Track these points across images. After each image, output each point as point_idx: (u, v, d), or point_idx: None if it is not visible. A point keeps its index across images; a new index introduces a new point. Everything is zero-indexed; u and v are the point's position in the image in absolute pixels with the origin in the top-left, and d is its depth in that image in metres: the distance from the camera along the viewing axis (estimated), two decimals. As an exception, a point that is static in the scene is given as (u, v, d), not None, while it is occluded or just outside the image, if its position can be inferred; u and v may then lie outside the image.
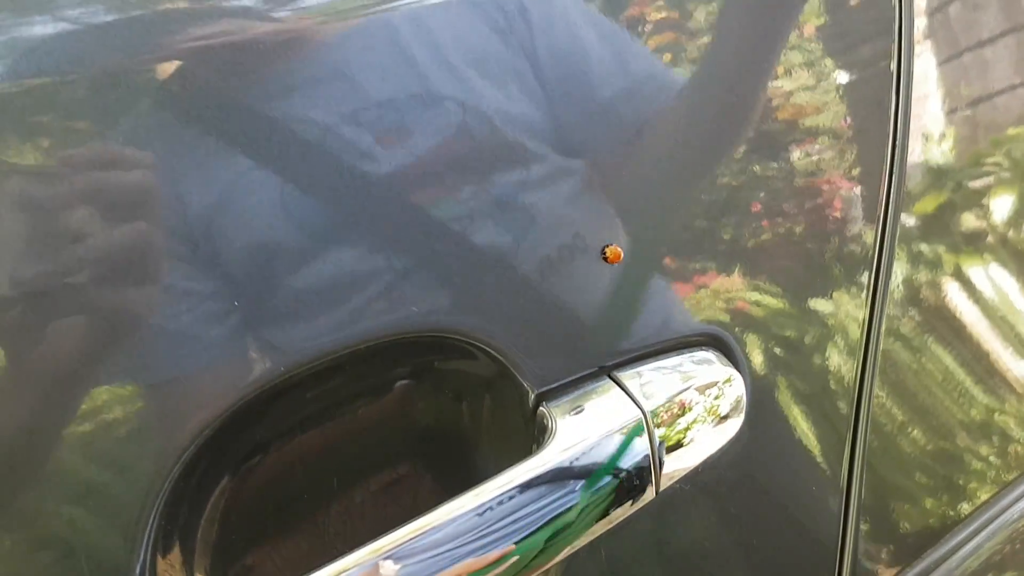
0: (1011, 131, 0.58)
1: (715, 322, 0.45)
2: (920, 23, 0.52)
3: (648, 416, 0.39)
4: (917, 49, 0.51)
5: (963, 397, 0.56)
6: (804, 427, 0.49)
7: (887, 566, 0.53)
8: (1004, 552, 0.58)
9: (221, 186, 0.32)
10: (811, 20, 0.47)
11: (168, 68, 0.31)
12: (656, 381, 0.42)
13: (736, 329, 0.45)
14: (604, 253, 0.40)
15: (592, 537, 0.38)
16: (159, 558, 0.32)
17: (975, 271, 0.56)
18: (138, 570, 0.32)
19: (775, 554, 0.49)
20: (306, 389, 0.36)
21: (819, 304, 0.48)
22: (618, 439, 0.39)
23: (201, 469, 0.33)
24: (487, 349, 0.38)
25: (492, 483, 0.36)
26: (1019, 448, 0.59)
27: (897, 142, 0.51)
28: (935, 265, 0.53)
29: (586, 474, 0.37)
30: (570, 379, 0.41)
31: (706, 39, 0.42)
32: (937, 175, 0.53)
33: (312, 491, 0.37)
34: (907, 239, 0.52)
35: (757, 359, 0.46)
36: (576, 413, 0.39)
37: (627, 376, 0.41)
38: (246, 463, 0.35)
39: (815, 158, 0.47)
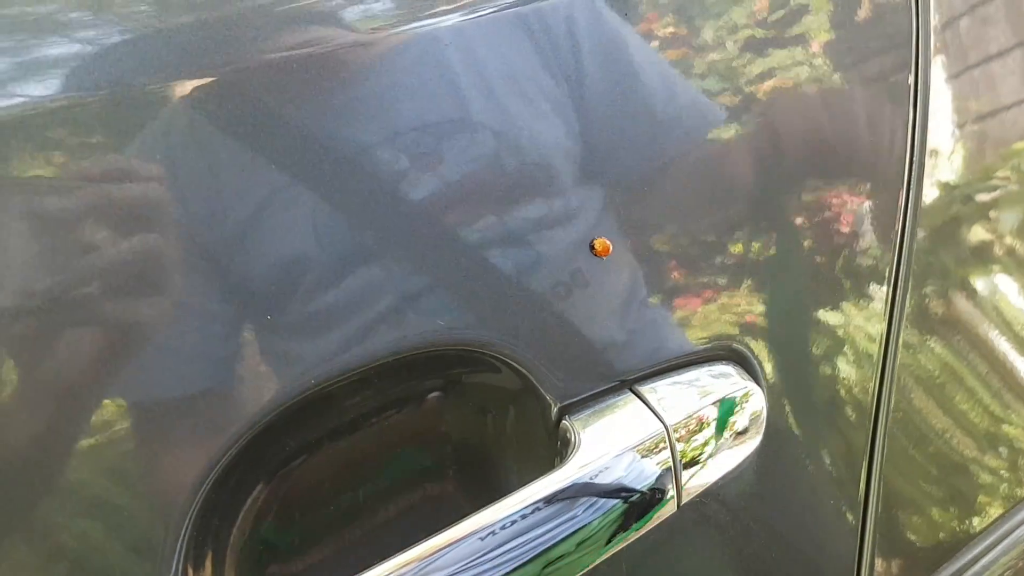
0: (1018, 145, 0.58)
1: (734, 336, 0.45)
2: (936, 37, 0.52)
3: (670, 430, 0.40)
4: (934, 62, 0.52)
5: (981, 412, 0.56)
6: (821, 440, 0.49)
7: (904, 580, 0.53)
8: (1019, 567, 0.58)
9: (256, 203, 0.32)
10: (826, 35, 0.47)
11: (203, 85, 0.32)
12: (676, 395, 0.42)
13: (754, 343, 0.45)
14: (592, 246, 0.40)
15: (613, 551, 0.38)
16: (191, 571, 0.32)
17: (992, 284, 0.56)
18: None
19: (793, 568, 0.49)
20: (337, 400, 0.36)
21: (836, 318, 0.49)
22: (640, 453, 0.39)
23: (234, 480, 0.33)
24: (511, 363, 0.39)
25: (515, 497, 0.36)
26: (1034, 463, 0.59)
27: (914, 156, 0.51)
28: (952, 279, 0.54)
29: (609, 488, 0.38)
30: (592, 392, 0.41)
31: (734, 68, 0.43)
32: (953, 188, 0.53)
33: (339, 502, 0.38)
34: (925, 253, 0.52)
35: (774, 373, 0.46)
36: (599, 427, 0.39)
37: (648, 390, 0.42)
38: (278, 473, 0.36)
39: (832, 173, 0.47)
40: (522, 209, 0.38)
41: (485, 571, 0.34)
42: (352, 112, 0.34)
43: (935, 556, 0.55)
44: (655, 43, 0.41)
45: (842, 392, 0.49)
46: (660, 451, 0.39)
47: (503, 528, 0.35)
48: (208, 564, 0.34)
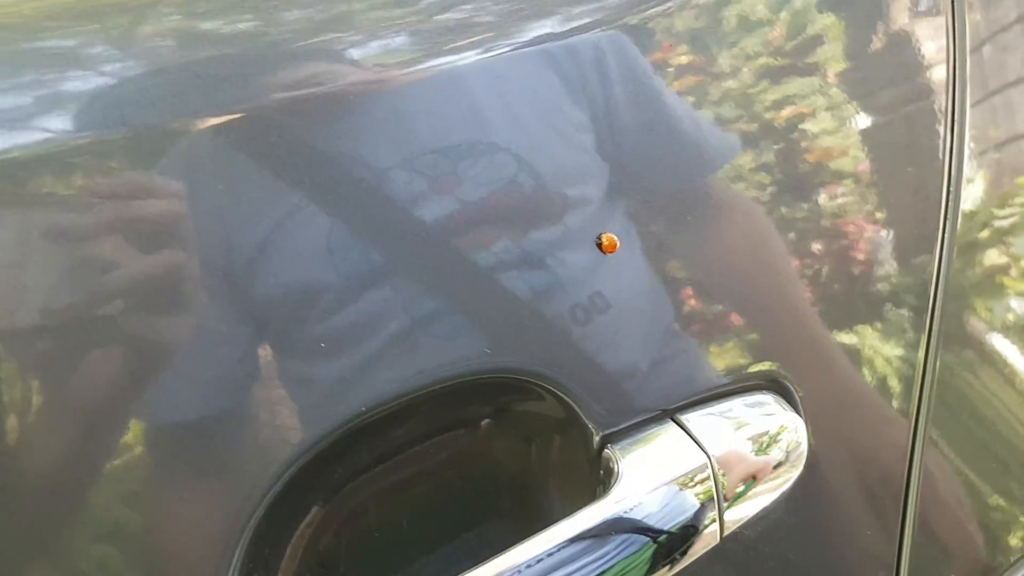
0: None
1: (772, 365, 0.45)
2: (972, 59, 0.52)
3: (713, 461, 0.40)
4: (970, 85, 0.52)
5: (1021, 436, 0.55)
6: (858, 471, 0.49)
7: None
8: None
9: (319, 231, 0.33)
10: (854, 61, 0.47)
11: (230, 120, 0.32)
12: (716, 425, 0.42)
13: (792, 371, 0.45)
14: (600, 240, 0.39)
15: (656, 581, 0.38)
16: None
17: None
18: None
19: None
20: (385, 428, 0.37)
21: (875, 342, 0.48)
22: (683, 485, 0.39)
23: (285, 508, 0.34)
24: (554, 391, 0.39)
25: (558, 528, 0.36)
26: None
27: (952, 178, 0.51)
28: (995, 304, 0.53)
29: (652, 520, 0.38)
30: (634, 421, 0.41)
31: (753, 95, 0.43)
32: (990, 211, 0.53)
33: (386, 529, 0.38)
34: (964, 276, 0.52)
35: (812, 401, 0.46)
36: (641, 457, 0.40)
37: (689, 419, 0.42)
38: (328, 501, 0.36)
39: (868, 198, 0.47)
40: (568, 241, 0.38)
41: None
42: (401, 148, 0.35)
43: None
44: (672, 70, 0.42)
45: (880, 417, 0.49)
46: (703, 482, 0.39)
47: (549, 555, 0.36)
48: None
